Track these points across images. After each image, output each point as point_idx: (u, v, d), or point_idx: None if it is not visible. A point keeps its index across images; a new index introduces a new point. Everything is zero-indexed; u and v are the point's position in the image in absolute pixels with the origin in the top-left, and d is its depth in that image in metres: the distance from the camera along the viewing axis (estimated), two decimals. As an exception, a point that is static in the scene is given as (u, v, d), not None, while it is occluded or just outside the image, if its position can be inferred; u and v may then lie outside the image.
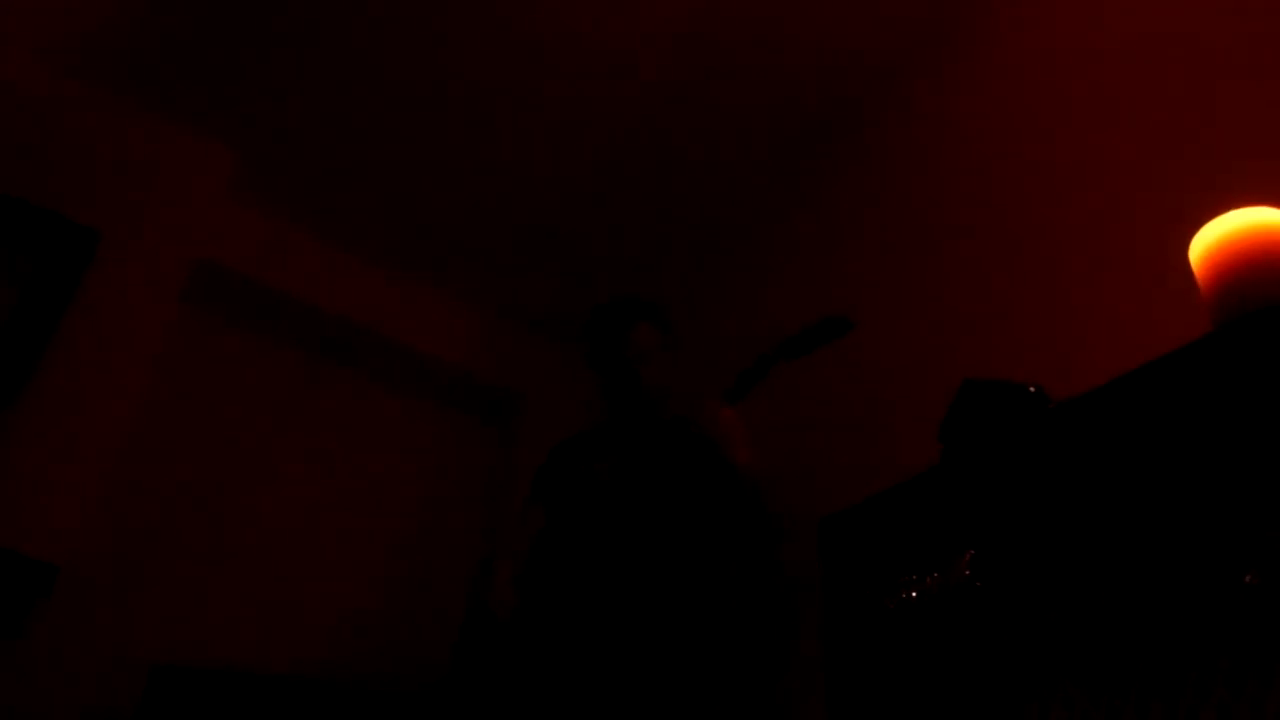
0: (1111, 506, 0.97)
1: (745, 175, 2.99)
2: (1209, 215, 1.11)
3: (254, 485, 2.92)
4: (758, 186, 3.01)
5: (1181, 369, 0.95)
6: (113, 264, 2.53)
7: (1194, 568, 0.86)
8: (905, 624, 1.17)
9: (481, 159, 2.99)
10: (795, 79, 2.71)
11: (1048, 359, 1.66)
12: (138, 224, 2.63)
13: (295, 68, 2.71)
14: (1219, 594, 0.83)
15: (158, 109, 2.79)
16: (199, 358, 2.95)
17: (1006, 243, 2.06)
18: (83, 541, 2.29)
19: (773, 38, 2.60)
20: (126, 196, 2.65)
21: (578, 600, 1.86)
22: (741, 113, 2.81)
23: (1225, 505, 0.85)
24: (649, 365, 2.11)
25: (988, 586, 1.08)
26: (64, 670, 2.33)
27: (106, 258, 2.52)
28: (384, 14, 2.57)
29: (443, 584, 3.02)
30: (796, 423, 2.43)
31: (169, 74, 2.72)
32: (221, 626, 2.64)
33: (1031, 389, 1.24)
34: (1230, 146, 1.61)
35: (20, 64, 2.61)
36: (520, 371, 3.53)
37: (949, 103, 2.45)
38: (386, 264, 3.33)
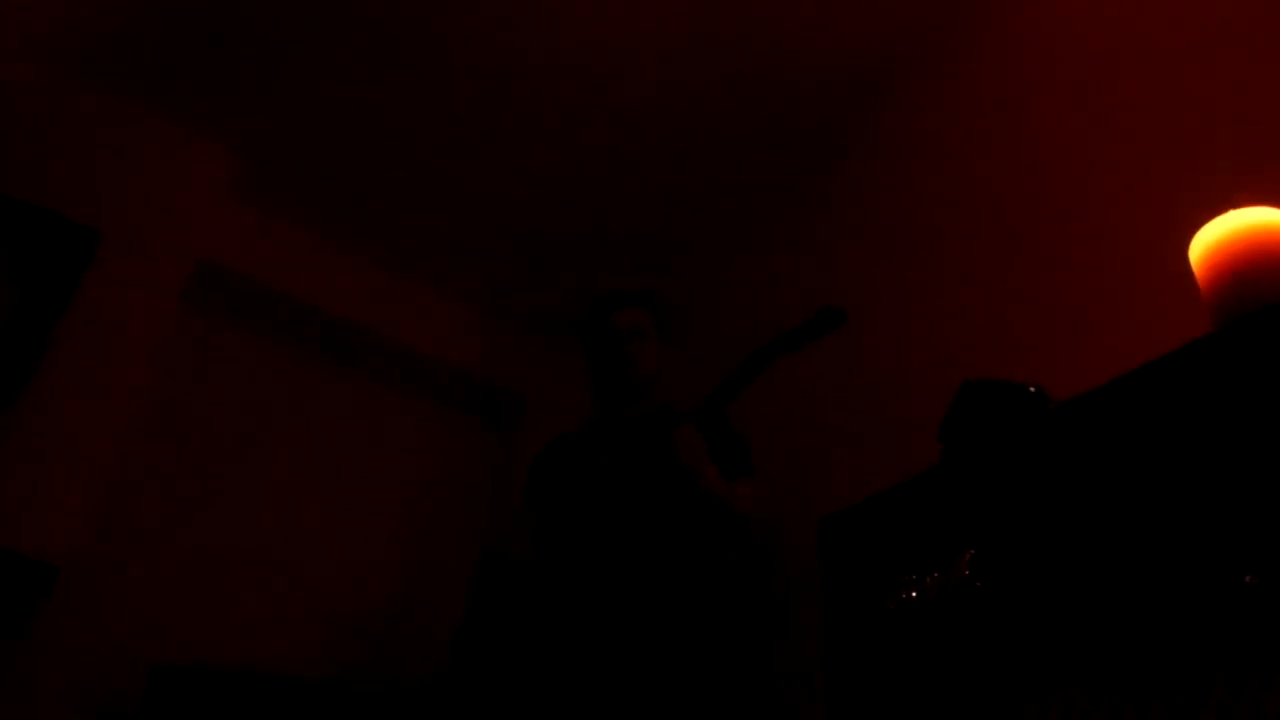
0: (1112, 507, 0.97)
1: (746, 175, 2.99)
2: (1209, 215, 1.11)
3: (254, 485, 2.92)
4: (758, 186, 3.01)
5: (1181, 369, 0.95)
6: (113, 264, 2.53)
7: (1194, 568, 0.86)
8: (905, 624, 1.17)
9: (482, 159, 2.99)
10: (795, 78, 2.71)
11: (1048, 359, 1.66)
12: (138, 224, 2.63)
13: (295, 68, 2.71)
14: (1219, 594, 0.83)
15: (158, 109, 2.79)
16: (199, 358, 2.95)
17: (1007, 242, 2.06)
18: (83, 541, 2.29)
19: (773, 35, 2.60)
20: (126, 197, 2.65)
21: (575, 598, 1.86)
22: (741, 112, 2.81)
23: (1225, 505, 0.85)
24: (639, 351, 2.12)
25: (988, 586, 1.08)
26: (64, 670, 2.33)
27: (106, 258, 2.52)
28: (384, 14, 2.57)
29: (442, 584, 3.02)
30: (796, 423, 2.43)
31: (168, 74, 2.72)
32: (221, 626, 2.64)
33: (1031, 389, 1.24)
34: (1230, 146, 1.61)
35: (20, 64, 2.61)
36: (520, 371, 3.53)
37: (949, 103, 2.45)
38: (386, 264, 3.33)
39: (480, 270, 3.41)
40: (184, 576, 2.66)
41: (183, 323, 2.78)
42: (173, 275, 2.69)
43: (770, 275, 2.95)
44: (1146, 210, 1.72)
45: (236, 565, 2.76)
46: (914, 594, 1.16)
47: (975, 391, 1.29)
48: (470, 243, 3.30)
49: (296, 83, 2.75)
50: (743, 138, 2.89)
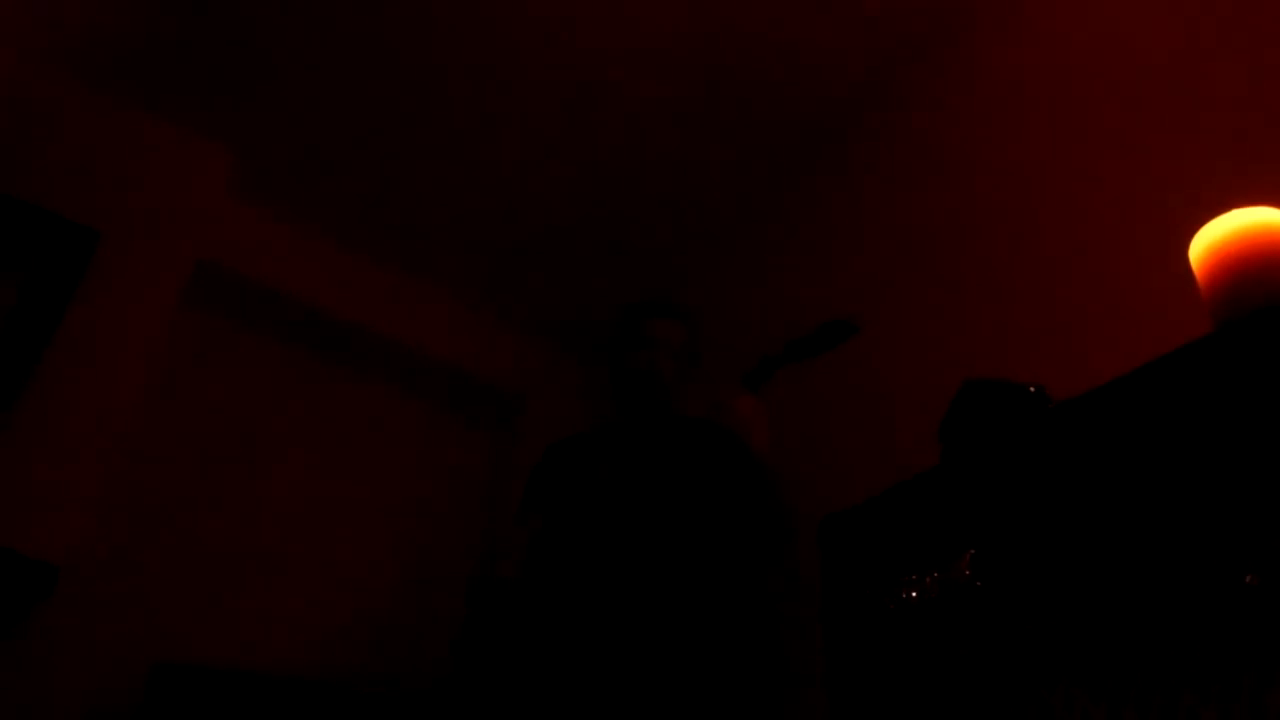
0: (1112, 506, 0.97)
1: (748, 176, 2.99)
2: (1209, 215, 1.11)
3: (253, 485, 2.91)
4: (760, 188, 3.01)
5: (1181, 369, 0.95)
6: (113, 264, 2.52)
7: (1194, 568, 0.86)
8: (905, 624, 1.17)
9: (482, 159, 2.99)
10: (799, 80, 2.71)
11: (1048, 359, 1.66)
12: (138, 224, 2.63)
13: (295, 67, 2.71)
14: (1219, 594, 0.83)
15: (158, 109, 2.79)
16: (199, 358, 2.95)
17: (1007, 243, 2.06)
18: (83, 541, 2.28)
19: (776, 38, 2.60)
20: (126, 196, 2.65)
21: (577, 602, 1.85)
22: (744, 114, 2.81)
23: (1225, 505, 0.85)
24: (664, 362, 2.11)
25: (988, 586, 1.08)
26: (64, 670, 2.33)
27: (106, 258, 2.52)
28: (385, 13, 2.57)
29: (442, 584, 3.01)
30: (797, 423, 2.43)
31: (168, 74, 2.72)
32: (221, 626, 2.64)
33: (1031, 389, 1.24)
34: (1230, 146, 1.61)
35: (20, 64, 2.61)
36: (520, 372, 3.53)
37: (951, 103, 2.45)
38: (386, 264, 3.33)
39: (480, 271, 3.41)
40: (184, 576, 2.65)
41: (183, 323, 2.78)
42: (173, 275, 2.68)
43: (771, 276, 2.95)
44: (1146, 210, 1.72)
45: (236, 565, 2.76)
46: (914, 594, 1.16)
47: (975, 391, 1.30)
48: (470, 242, 3.30)
49: (297, 82, 2.75)
50: (745, 139, 2.89)
